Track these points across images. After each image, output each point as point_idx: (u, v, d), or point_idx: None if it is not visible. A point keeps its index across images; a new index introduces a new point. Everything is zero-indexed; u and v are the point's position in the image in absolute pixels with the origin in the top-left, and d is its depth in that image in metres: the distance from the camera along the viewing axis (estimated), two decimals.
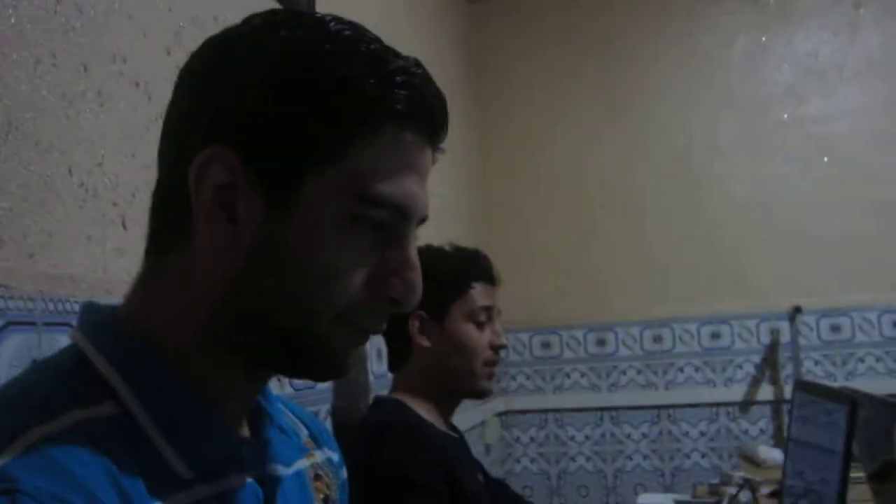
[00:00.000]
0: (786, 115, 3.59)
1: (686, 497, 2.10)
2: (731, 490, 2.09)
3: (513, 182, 3.75)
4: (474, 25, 3.80)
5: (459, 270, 1.61)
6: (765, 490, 2.12)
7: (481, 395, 1.65)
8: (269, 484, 0.72)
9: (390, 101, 0.66)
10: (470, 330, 1.60)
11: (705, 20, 3.68)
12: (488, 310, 1.62)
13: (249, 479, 0.69)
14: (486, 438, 3.39)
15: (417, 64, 0.69)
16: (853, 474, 1.66)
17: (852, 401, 1.79)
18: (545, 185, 3.72)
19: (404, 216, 0.68)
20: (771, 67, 3.62)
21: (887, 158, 3.47)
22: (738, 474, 2.28)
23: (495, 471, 3.34)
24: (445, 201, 2.98)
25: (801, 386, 2.20)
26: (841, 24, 3.57)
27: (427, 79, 0.69)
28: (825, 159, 3.54)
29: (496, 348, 1.63)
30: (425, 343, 1.59)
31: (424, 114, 0.68)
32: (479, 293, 1.62)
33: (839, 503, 1.56)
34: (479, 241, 3.07)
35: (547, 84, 3.74)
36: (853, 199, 3.47)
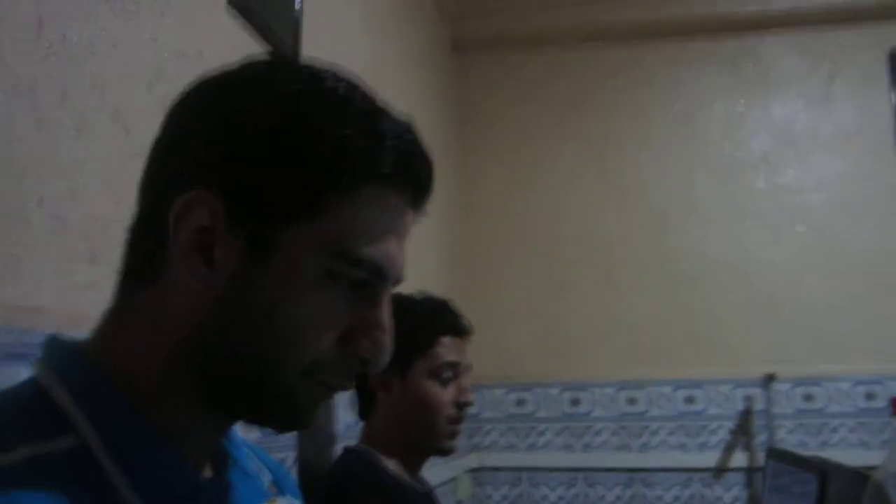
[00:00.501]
0: (761, 181, 3.63)
1: None
2: None
3: (491, 233, 3.76)
4: (460, 75, 3.84)
5: (424, 325, 1.55)
6: None
7: (443, 453, 1.59)
8: None
9: (377, 163, 0.66)
10: (432, 387, 1.54)
11: (686, 82, 3.74)
12: (454, 366, 1.57)
13: None
14: (458, 495, 3.33)
15: (409, 127, 0.69)
16: None
17: (823, 471, 1.78)
18: (523, 236, 3.73)
19: (381, 277, 0.68)
20: (748, 132, 3.68)
21: (859, 229, 3.52)
22: None
23: None
24: (422, 250, 2.97)
25: (774, 454, 2.19)
26: (816, 94, 3.64)
27: (417, 143, 0.69)
28: (798, 227, 3.58)
29: (461, 406, 1.57)
30: (387, 397, 1.55)
31: (410, 178, 0.69)
32: (445, 348, 1.56)
33: None
34: (456, 292, 3.07)
35: (528, 135, 3.77)
36: (826, 268, 3.50)
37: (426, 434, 1.56)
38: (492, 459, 3.61)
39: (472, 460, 3.56)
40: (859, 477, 1.97)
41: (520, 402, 3.65)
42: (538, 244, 3.71)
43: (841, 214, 3.55)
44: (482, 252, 3.74)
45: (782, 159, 3.63)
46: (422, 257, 2.93)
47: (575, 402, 3.61)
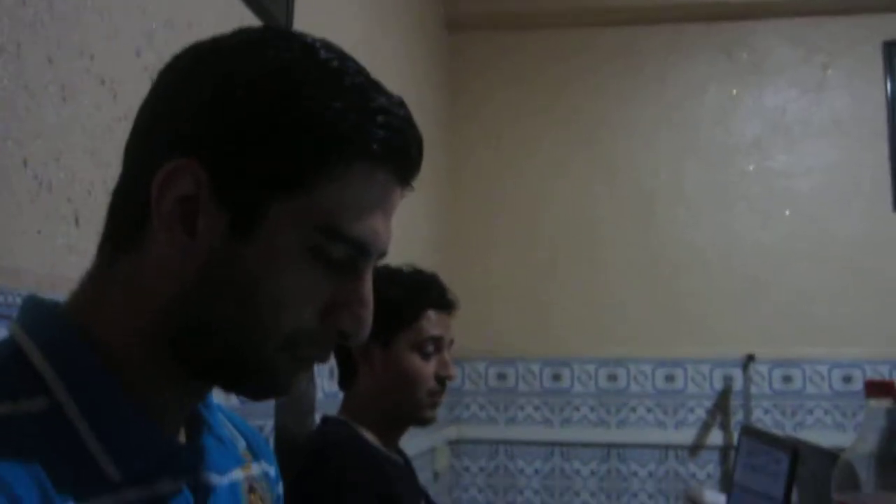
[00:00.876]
0: (751, 167, 3.65)
1: None
2: None
3: (479, 212, 3.78)
4: (453, 54, 3.83)
5: (409, 298, 1.56)
6: None
7: (424, 423, 1.61)
8: (201, 492, 0.70)
9: (367, 140, 0.66)
10: (414, 360, 1.55)
11: (679, 68, 3.75)
12: (437, 340, 1.57)
13: (182, 486, 0.68)
14: (435, 466, 3.37)
15: (401, 104, 0.69)
16: None
17: (794, 449, 1.81)
18: (511, 216, 3.75)
19: (365, 253, 0.68)
20: (739, 119, 3.69)
21: (846, 217, 3.55)
22: None
23: (443, 499, 3.32)
24: (410, 226, 2.98)
25: (748, 432, 2.22)
26: (809, 82, 3.65)
27: (408, 120, 0.69)
28: (786, 213, 3.60)
29: (442, 379, 1.58)
30: (369, 369, 1.56)
31: (399, 155, 0.68)
32: (429, 322, 1.57)
33: None
34: (442, 268, 3.08)
35: (518, 116, 3.78)
36: (811, 254, 3.54)
37: (406, 406, 1.57)
38: (471, 432, 3.65)
39: (451, 432, 3.59)
40: (830, 457, 2.00)
41: (501, 377, 3.68)
42: (526, 223, 3.72)
43: (829, 202, 3.57)
44: (470, 229, 3.76)
45: (773, 145, 3.64)
46: (409, 233, 2.94)
47: (556, 378, 3.65)
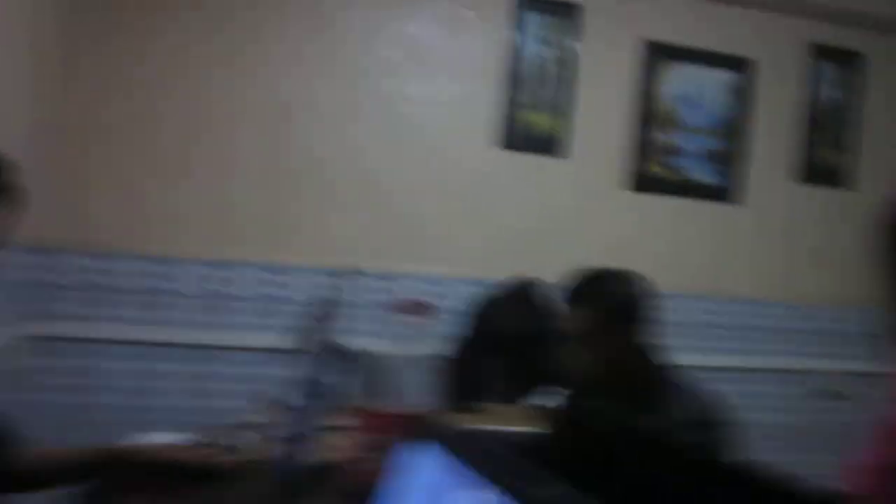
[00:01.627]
0: (385, 91, 3.81)
1: (195, 437, 2.16)
2: (239, 432, 2.19)
3: (100, 99, 3.51)
4: None
5: None
6: (268, 432, 2.25)
7: None
8: None
9: None
10: None
11: None
12: None
13: None
14: (13, 364, 3.14)
15: None
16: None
17: (360, 357, 1.99)
18: (133, 105, 3.55)
19: None
20: (381, 44, 3.82)
21: (463, 149, 3.91)
22: (251, 417, 2.39)
23: (15, 398, 3.11)
24: (15, 108, 2.68)
25: (330, 341, 2.38)
26: (449, 17, 3.89)
27: None
28: (411, 139, 3.84)
29: None
30: None
31: None
32: None
33: (311, 445, 1.72)
34: (48, 155, 2.86)
35: (154, 13, 3.57)
36: (431, 179, 3.86)
37: None
38: (58, 329, 3.45)
39: (35, 328, 3.36)
40: (387, 360, 2.25)
41: (101, 272, 3.50)
42: (159, 119, 3.58)
43: (451, 134, 3.89)
44: (85, 118, 3.49)
45: (407, 74, 3.83)
46: (14, 115, 2.68)
47: (158, 276, 3.56)
